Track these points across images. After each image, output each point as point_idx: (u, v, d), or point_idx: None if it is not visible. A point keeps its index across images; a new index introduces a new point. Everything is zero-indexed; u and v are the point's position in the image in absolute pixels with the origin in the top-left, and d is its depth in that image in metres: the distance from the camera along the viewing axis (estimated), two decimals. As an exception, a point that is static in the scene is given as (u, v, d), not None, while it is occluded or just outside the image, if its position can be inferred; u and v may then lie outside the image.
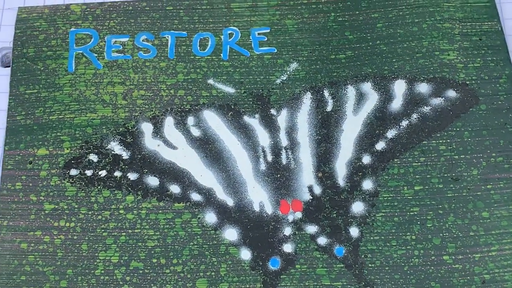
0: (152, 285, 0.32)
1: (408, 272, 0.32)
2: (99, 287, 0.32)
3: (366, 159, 0.35)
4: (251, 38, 0.38)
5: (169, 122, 0.36)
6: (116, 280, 0.32)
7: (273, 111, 0.36)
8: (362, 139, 0.35)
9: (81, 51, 0.38)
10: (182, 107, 0.36)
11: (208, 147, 0.35)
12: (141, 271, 0.33)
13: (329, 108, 0.36)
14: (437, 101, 0.36)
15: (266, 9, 0.39)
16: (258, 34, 0.38)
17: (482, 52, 0.37)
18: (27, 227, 0.34)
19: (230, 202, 0.34)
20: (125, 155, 0.35)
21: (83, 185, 0.35)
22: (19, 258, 0.33)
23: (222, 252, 0.33)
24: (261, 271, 0.33)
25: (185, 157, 0.35)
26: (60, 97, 0.37)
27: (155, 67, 0.37)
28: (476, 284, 0.32)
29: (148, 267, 0.33)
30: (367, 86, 0.37)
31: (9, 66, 0.38)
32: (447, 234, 0.33)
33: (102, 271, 0.33)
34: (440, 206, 0.34)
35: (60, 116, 0.36)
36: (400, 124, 0.36)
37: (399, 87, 0.37)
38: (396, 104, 0.36)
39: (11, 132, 0.36)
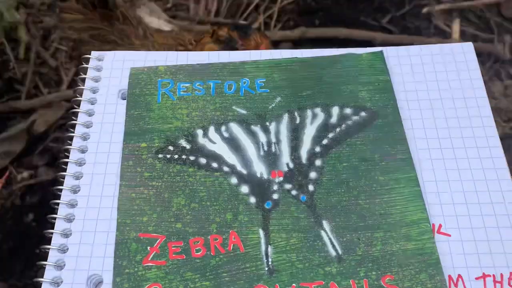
0: (202, 216, 0.34)
1: (340, 209, 0.34)
2: (174, 217, 0.34)
3: (317, 149, 0.37)
4: (255, 84, 0.40)
5: (211, 129, 0.38)
6: (182, 213, 0.34)
7: (267, 123, 0.38)
8: (315, 138, 0.37)
9: (164, 91, 0.40)
10: (218, 121, 0.38)
11: (232, 142, 0.37)
12: (196, 209, 0.34)
13: (297, 122, 0.38)
14: (355, 117, 0.38)
15: (263, 68, 0.41)
16: (259, 81, 0.40)
17: (379, 91, 0.39)
18: (135, 184, 0.35)
19: (244, 171, 0.36)
20: (188, 146, 0.37)
21: (165, 163, 0.36)
22: (131, 202, 0.35)
23: (240, 198, 0.35)
24: (261, 209, 0.34)
25: (220, 148, 0.37)
26: (152, 115, 0.38)
27: (204, 99, 0.39)
28: (376, 215, 0.34)
29: (200, 206, 0.34)
30: (318, 110, 0.39)
31: (125, 99, 0.39)
32: (361, 189, 0.35)
33: (175, 209, 0.34)
34: (357, 175, 0.36)
35: (152, 126, 0.38)
36: (336, 130, 0.38)
37: (335, 110, 0.39)
38: (333, 119, 0.38)
39: (126, 134, 0.38)
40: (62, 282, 0.32)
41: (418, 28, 0.50)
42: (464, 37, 0.48)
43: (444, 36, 0.49)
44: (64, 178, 0.36)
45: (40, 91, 0.92)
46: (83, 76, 0.41)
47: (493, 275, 0.32)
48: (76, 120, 0.39)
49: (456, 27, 0.49)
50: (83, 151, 0.37)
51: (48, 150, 0.88)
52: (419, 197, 0.34)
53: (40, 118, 0.90)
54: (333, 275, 0.32)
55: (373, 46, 0.43)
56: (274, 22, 0.50)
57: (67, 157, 0.37)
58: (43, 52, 0.98)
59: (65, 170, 0.37)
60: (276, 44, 0.48)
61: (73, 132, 0.38)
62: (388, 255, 0.32)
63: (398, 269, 0.32)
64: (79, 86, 0.40)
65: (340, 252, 0.32)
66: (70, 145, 0.38)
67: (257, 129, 0.38)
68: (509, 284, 0.32)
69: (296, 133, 0.37)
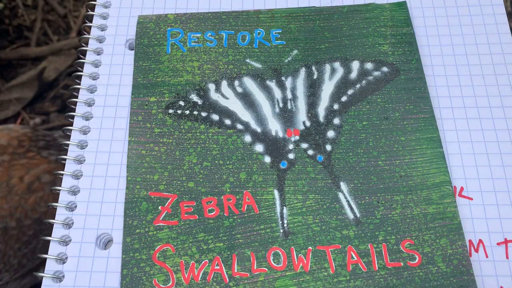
0: (215, 175, 0.31)
1: (358, 170, 0.31)
2: (185, 176, 0.31)
3: (336, 106, 0.33)
4: (270, 35, 0.36)
5: (224, 83, 0.34)
6: (194, 172, 0.31)
7: (283, 78, 0.34)
8: (333, 95, 0.34)
9: (173, 41, 0.35)
10: (231, 75, 0.34)
11: (246, 98, 0.34)
12: (208, 167, 0.31)
13: (315, 77, 0.34)
14: (376, 73, 0.34)
15: (279, 18, 0.36)
16: (275, 33, 0.36)
17: (402, 45, 0.35)
18: (145, 141, 0.32)
19: (258, 129, 0.33)
20: (199, 102, 0.33)
21: (176, 118, 0.33)
22: (141, 159, 0.32)
23: (254, 157, 0.32)
24: (276, 169, 0.31)
25: (233, 104, 0.34)
26: (162, 68, 0.35)
27: (216, 51, 0.35)
28: (396, 177, 0.31)
29: (213, 165, 0.31)
30: (337, 64, 0.35)
31: (133, 49, 0.35)
32: (381, 149, 0.32)
33: (187, 168, 0.31)
34: (377, 134, 0.32)
35: (162, 79, 0.34)
36: (355, 86, 0.34)
37: (355, 65, 0.35)
38: (353, 75, 0.34)
39: (135, 87, 0.34)
40: (70, 240, 0.29)
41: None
42: None
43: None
44: (70, 133, 0.33)
45: (49, 39, 0.87)
46: (89, 24, 0.36)
47: (515, 241, 0.29)
48: (82, 71, 0.34)
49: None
50: (89, 104, 0.34)
51: (59, 97, 0.84)
52: (442, 159, 0.31)
53: (50, 65, 0.86)
54: (350, 238, 0.29)
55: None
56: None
57: (74, 110, 0.33)
58: (51, -1, 0.91)
59: (71, 124, 0.33)
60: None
61: (80, 84, 0.34)
62: (408, 219, 0.29)
63: (418, 233, 0.29)
64: (85, 34, 0.36)
65: (358, 215, 0.29)
66: (76, 97, 0.34)
67: (272, 84, 0.34)
68: (531, 250, 0.29)
69: (313, 89, 0.33)
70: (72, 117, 0.33)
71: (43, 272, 0.28)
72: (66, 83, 0.82)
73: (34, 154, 0.52)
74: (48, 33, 0.86)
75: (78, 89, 0.34)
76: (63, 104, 0.81)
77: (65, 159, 0.32)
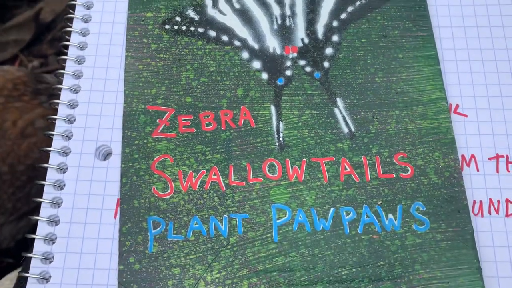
0: (212, 91, 0.31)
1: (355, 86, 0.31)
2: (183, 91, 0.31)
3: (335, 23, 0.33)
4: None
5: (221, -1, 0.34)
6: (191, 87, 0.31)
7: (282, -5, 0.34)
8: (332, 12, 0.33)
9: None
10: (229, -9, 0.34)
11: (244, 14, 0.33)
12: (206, 83, 0.31)
13: (314, -6, 0.34)
14: (376, -9, 0.34)
15: None
16: None
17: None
18: (142, 56, 0.32)
19: (256, 46, 0.32)
20: (196, 18, 0.33)
21: (173, 34, 0.33)
22: (138, 74, 0.32)
23: (251, 74, 0.32)
24: (273, 85, 0.32)
25: (230, 20, 0.33)
26: (158, -17, 0.34)
27: (214, -33, 0.34)
28: (392, 93, 0.31)
29: (210, 81, 0.32)
30: (336, -19, 0.34)
31: (128, -36, 0.34)
32: (378, 66, 0.32)
33: (184, 83, 0.32)
34: (375, 51, 0.32)
35: (159, -5, 0.33)
36: (355, 3, 0.33)
37: (355, -17, 0.34)
38: (353, -8, 0.34)
39: (131, 2, 0.34)
40: (70, 152, 0.30)
41: None
42: None
43: None
44: (67, 49, 0.33)
45: (44, -23, 0.84)
46: None
47: (507, 156, 0.30)
48: (77, -13, 0.34)
49: None
50: (86, 20, 0.33)
51: (57, 39, 0.83)
52: (439, 76, 0.31)
53: (47, 6, 0.84)
54: (344, 151, 0.29)
55: None
56: None
57: (70, 26, 0.33)
58: None
59: (68, 40, 0.33)
60: None
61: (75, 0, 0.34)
62: (402, 133, 0.30)
63: (412, 147, 0.29)
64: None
65: (353, 129, 0.30)
66: (72, 14, 0.33)
67: (271, 0, 0.33)
68: (522, 164, 0.30)
69: (312, 5, 0.33)
70: (68, 33, 0.33)
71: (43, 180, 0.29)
72: (64, 26, 0.81)
73: (29, 98, 0.52)
74: (44, -29, 0.83)
75: (74, 5, 0.34)
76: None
77: (62, 74, 0.32)
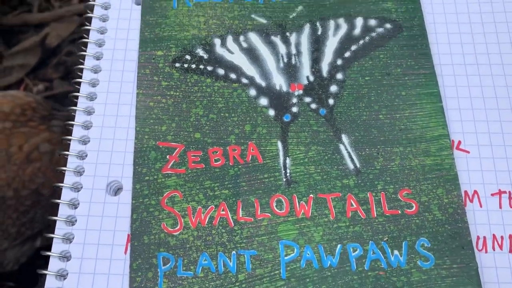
0: (220, 127, 0.32)
1: (360, 123, 0.32)
2: (192, 127, 0.32)
3: (339, 62, 0.34)
4: (276, -9, 0.36)
5: (229, 38, 0.35)
6: (201, 124, 0.32)
7: (288, 34, 0.35)
8: (337, 50, 0.34)
9: (180, -3, 0.36)
10: (237, 30, 0.35)
11: (251, 53, 0.34)
12: (214, 120, 0.32)
13: (319, 33, 0.35)
14: (379, 30, 0.35)
15: (285, -25, 0.36)
16: None
17: (405, 2, 0.36)
18: (153, 93, 0.33)
19: (263, 84, 0.33)
20: (205, 56, 0.34)
21: (183, 72, 0.34)
22: (149, 111, 0.33)
23: (258, 110, 0.33)
24: (279, 121, 0.32)
25: (238, 58, 0.34)
26: (168, 22, 0.35)
27: (222, 7, 0.36)
28: (396, 130, 0.32)
29: (219, 117, 0.32)
30: (341, 20, 0.35)
31: (140, 4, 0.36)
32: (382, 103, 0.33)
33: (193, 119, 0.32)
34: (379, 89, 0.33)
35: (169, 33, 0.35)
36: (359, 42, 0.34)
37: (359, 21, 0.35)
38: (357, 31, 0.35)
39: (142, 41, 0.35)
40: (82, 187, 0.31)
41: None
42: None
43: None
44: (79, 86, 0.34)
45: (51, 5, 0.86)
46: (95, -22, 0.36)
47: (509, 192, 0.31)
48: (90, 26, 0.35)
49: None
50: (98, 58, 0.34)
51: (62, 64, 0.84)
52: (441, 113, 0.32)
53: (53, 31, 0.85)
54: (350, 187, 0.30)
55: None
56: None
57: (82, 63, 0.34)
58: (52, -38, 0.91)
59: (80, 77, 0.34)
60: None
61: (88, 38, 0.35)
62: (406, 169, 0.30)
63: (416, 183, 0.30)
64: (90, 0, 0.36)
65: (358, 165, 0.31)
66: (85, 51, 0.34)
67: (277, 39, 0.34)
68: (524, 200, 0.30)
69: (317, 44, 0.34)
70: (81, 69, 0.34)
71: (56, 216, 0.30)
72: (69, 50, 0.82)
73: (37, 123, 0.52)
74: (50, -1, 0.85)
75: (87, 43, 0.35)
76: (66, 71, 0.81)
77: (74, 110, 0.33)
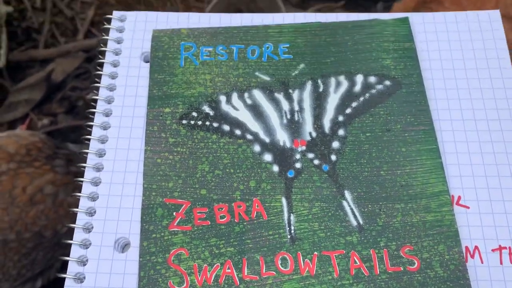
0: (226, 183, 0.33)
1: (362, 179, 0.33)
2: (198, 183, 0.33)
3: (340, 118, 0.35)
4: (278, 49, 0.38)
5: (234, 95, 0.36)
6: (206, 180, 0.33)
7: (290, 91, 0.36)
8: (338, 107, 0.35)
9: (187, 55, 0.37)
10: (241, 87, 0.36)
11: (255, 109, 0.36)
12: (220, 176, 0.33)
13: (321, 90, 0.36)
14: (379, 86, 0.36)
15: (287, 33, 0.38)
16: (283, 47, 0.38)
17: (404, 60, 0.37)
18: (160, 150, 0.34)
19: (267, 140, 0.34)
20: (211, 113, 0.35)
21: (189, 129, 0.35)
22: (156, 167, 0.34)
23: (263, 166, 0.34)
24: (283, 177, 0.33)
25: (243, 115, 0.35)
26: (176, 80, 0.37)
27: (227, 65, 0.37)
28: (397, 186, 0.32)
29: (224, 174, 0.33)
30: (342, 78, 0.36)
31: (148, 62, 0.37)
32: (383, 160, 0.33)
33: (199, 176, 0.33)
34: (380, 145, 0.34)
35: (176, 91, 0.36)
36: (359, 99, 0.36)
37: (359, 78, 0.36)
38: (357, 88, 0.36)
39: (150, 99, 0.36)
40: (90, 244, 0.31)
41: None
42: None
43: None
44: (89, 141, 0.35)
45: (57, 41, 0.89)
46: (106, 37, 0.38)
47: (509, 248, 0.31)
48: (99, 83, 0.36)
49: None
50: (107, 114, 0.36)
51: (67, 98, 0.86)
52: (441, 169, 0.33)
53: (58, 67, 0.88)
54: (354, 244, 0.31)
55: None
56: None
57: (92, 120, 0.35)
58: (59, 2, 0.93)
59: (89, 133, 0.35)
60: None
61: (97, 95, 0.36)
62: (408, 226, 0.31)
63: (418, 240, 0.31)
64: (102, 47, 0.38)
65: (361, 222, 0.31)
66: (94, 107, 0.36)
67: (280, 96, 0.36)
68: (524, 256, 0.31)
69: (319, 101, 0.35)
70: (91, 126, 0.35)
71: (64, 273, 0.31)
72: (74, 85, 0.84)
73: (41, 163, 0.53)
74: (56, 35, 0.87)
75: (96, 99, 0.36)
76: (70, 106, 0.83)
77: (84, 167, 0.34)
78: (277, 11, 0.69)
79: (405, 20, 0.38)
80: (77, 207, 0.32)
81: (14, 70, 0.84)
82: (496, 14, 0.39)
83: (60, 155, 0.56)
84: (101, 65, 0.38)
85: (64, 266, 0.52)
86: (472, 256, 0.31)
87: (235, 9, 0.80)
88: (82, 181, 0.33)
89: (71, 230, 0.32)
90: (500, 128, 0.35)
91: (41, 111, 0.84)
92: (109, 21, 0.39)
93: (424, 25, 0.39)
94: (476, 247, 0.31)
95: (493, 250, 0.31)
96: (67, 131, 0.83)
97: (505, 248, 0.31)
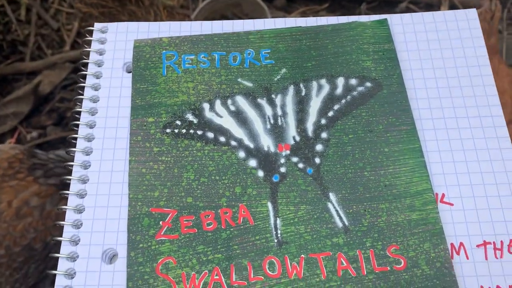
0: (211, 190, 0.33)
1: (346, 181, 0.33)
2: (184, 192, 0.33)
3: (323, 121, 0.35)
4: (260, 55, 0.38)
5: (217, 102, 0.36)
6: (192, 188, 0.33)
7: (273, 96, 0.36)
8: (320, 110, 0.36)
9: (169, 64, 0.37)
10: (224, 94, 0.36)
11: (239, 116, 0.36)
12: (205, 183, 0.33)
13: (303, 94, 0.36)
14: (360, 88, 0.36)
15: (268, 38, 0.38)
16: (264, 52, 0.38)
17: (384, 61, 0.37)
18: (145, 160, 0.34)
19: (251, 145, 0.35)
20: (195, 121, 0.35)
21: (173, 138, 0.35)
22: (141, 177, 0.34)
23: (248, 172, 0.34)
24: (269, 182, 0.33)
25: (227, 121, 0.36)
26: (158, 89, 0.37)
27: (209, 72, 0.37)
28: (381, 186, 0.33)
29: (210, 181, 0.33)
30: (323, 81, 0.37)
31: (130, 72, 0.37)
32: (366, 160, 0.34)
33: (185, 184, 0.33)
34: (363, 146, 0.34)
35: (159, 100, 0.36)
36: (341, 101, 0.36)
37: (340, 81, 0.37)
38: (339, 91, 0.36)
39: (133, 109, 0.36)
40: (78, 256, 0.31)
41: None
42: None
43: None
44: (74, 154, 0.35)
45: (43, 53, 0.89)
46: (88, 49, 0.38)
47: (493, 243, 0.32)
48: (82, 95, 0.36)
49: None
50: (91, 126, 0.36)
51: (55, 110, 0.86)
52: (424, 168, 0.33)
53: (45, 79, 0.87)
54: (340, 246, 0.31)
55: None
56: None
57: (76, 132, 0.35)
58: (44, 13, 0.93)
59: (74, 145, 0.35)
60: None
61: (80, 107, 0.36)
62: (393, 225, 0.31)
63: (403, 239, 0.31)
64: (84, 59, 0.38)
65: (346, 223, 0.32)
66: (78, 119, 0.36)
67: (263, 102, 0.36)
68: (508, 251, 0.31)
69: (301, 105, 0.36)
70: (75, 138, 0.35)
71: (53, 287, 0.30)
72: (62, 96, 0.84)
73: (24, 175, 0.53)
74: (42, 47, 0.87)
75: (79, 111, 0.36)
76: (59, 118, 0.83)
77: (69, 179, 0.34)
78: (262, 15, 0.69)
79: (384, 22, 0.39)
80: (64, 219, 0.32)
81: (1, 83, 0.83)
82: (473, 12, 0.40)
83: (37, 165, 0.56)
84: (84, 77, 0.38)
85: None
86: (458, 253, 0.31)
87: (220, 15, 0.81)
88: (67, 194, 0.33)
89: (60, 242, 0.32)
90: (481, 125, 0.35)
91: (30, 124, 0.84)
92: (91, 33, 0.39)
93: (403, 26, 0.39)
94: (461, 244, 0.32)
95: (478, 246, 0.32)
96: (57, 143, 0.82)
97: (489, 243, 0.32)
